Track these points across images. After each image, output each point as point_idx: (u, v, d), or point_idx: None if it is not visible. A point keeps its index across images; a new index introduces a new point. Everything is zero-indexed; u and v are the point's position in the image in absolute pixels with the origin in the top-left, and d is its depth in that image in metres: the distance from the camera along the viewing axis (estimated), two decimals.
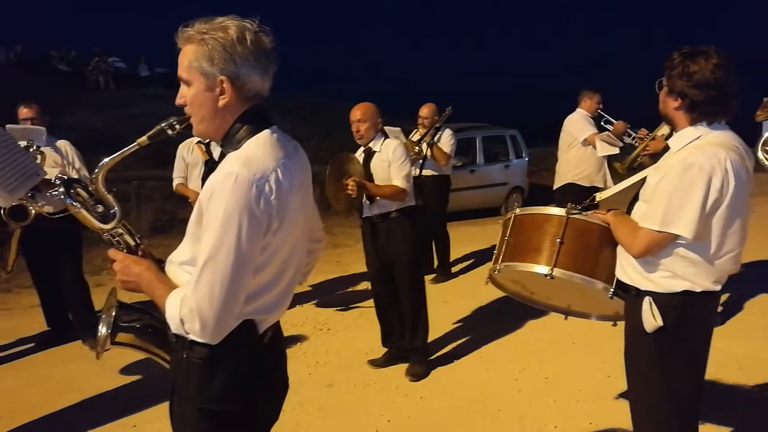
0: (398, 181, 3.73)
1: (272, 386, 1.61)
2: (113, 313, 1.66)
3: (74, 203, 1.70)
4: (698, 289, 2.01)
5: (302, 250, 1.63)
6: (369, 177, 3.81)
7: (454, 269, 6.58)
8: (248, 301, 1.44)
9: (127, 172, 8.41)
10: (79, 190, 1.76)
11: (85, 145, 5.03)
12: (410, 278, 3.90)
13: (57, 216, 4.11)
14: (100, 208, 1.75)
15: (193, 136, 4.64)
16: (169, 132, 1.60)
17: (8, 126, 3.99)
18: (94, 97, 17.12)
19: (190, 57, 1.41)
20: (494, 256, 2.45)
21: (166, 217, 8.44)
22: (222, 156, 1.48)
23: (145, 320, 1.76)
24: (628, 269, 2.14)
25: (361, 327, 4.84)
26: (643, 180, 2.17)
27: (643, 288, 2.08)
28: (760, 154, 3.24)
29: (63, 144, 4.30)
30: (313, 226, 1.75)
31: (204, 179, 4.52)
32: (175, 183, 4.84)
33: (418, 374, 3.87)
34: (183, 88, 1.46)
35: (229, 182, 1.33)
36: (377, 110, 3.85)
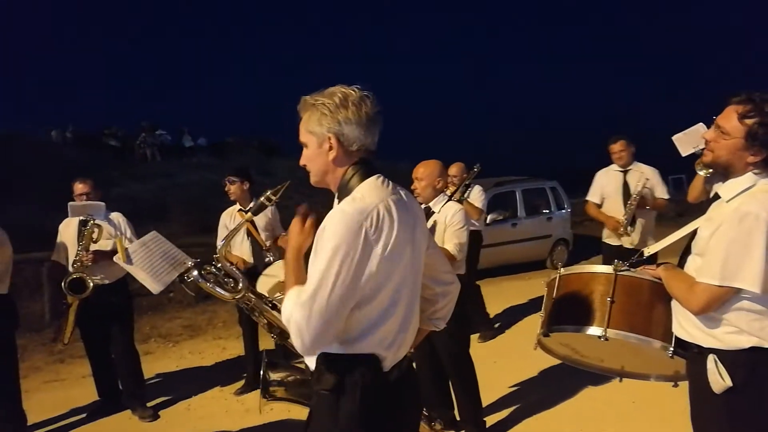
0: (450, 246, 3.47)
1: (401, 425, 1.72)
2: (261, 374, 1.91)
3: (208, 283, 1.95)
4: None
5: (415, 287, 1.74)
6: None
7: (501, 325, 6.42)
8: (363, 335, 1.61)
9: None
10: (208, 268, 2.04)
11: (133, 213, 5.21)
12: (453, 348, 3.65)
13: (110, 287, 4.25)
14: (230, 281, 2.04)
15: (234, 205, 4.86)
16: (267, 204, 2.07)
17: (71, 204, 4.19)
18: (142, 169, 17.89)
19: (305, 123, 1.68)
20: (541, 320, 2.37)
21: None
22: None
23: (292, 375, 2.04)
24: (687, 326, 2.03)
25: None
26: (694, 232, 2.08)
27: (705, 345, 1.97)
28: None
29: (116, 216, 4.48)
30: (437, 267, 1.89)
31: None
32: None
33: None
34: (303, 151, 1.72)
35: (337, 216, 1.56)
36: (440, 169, 3.65)
